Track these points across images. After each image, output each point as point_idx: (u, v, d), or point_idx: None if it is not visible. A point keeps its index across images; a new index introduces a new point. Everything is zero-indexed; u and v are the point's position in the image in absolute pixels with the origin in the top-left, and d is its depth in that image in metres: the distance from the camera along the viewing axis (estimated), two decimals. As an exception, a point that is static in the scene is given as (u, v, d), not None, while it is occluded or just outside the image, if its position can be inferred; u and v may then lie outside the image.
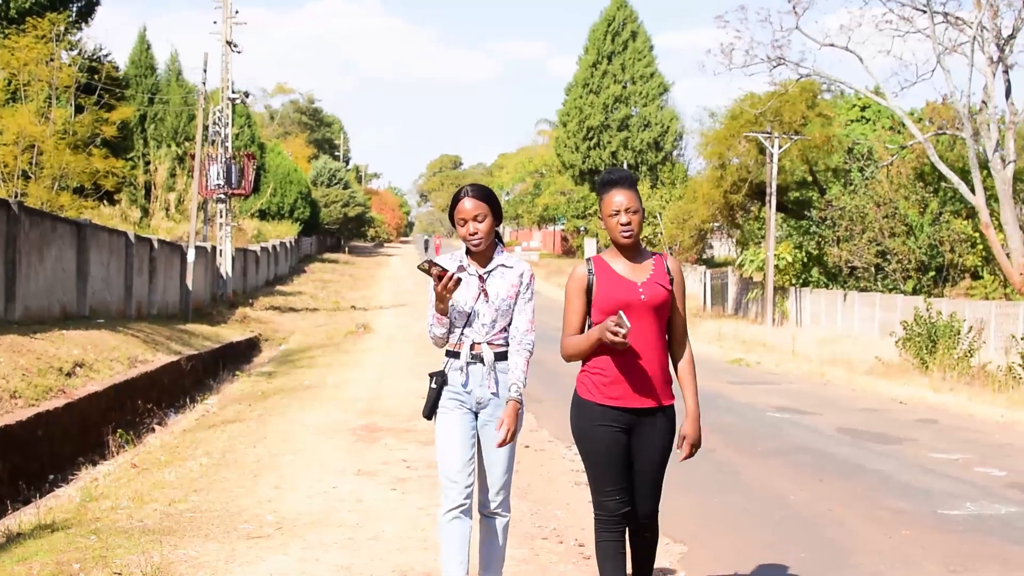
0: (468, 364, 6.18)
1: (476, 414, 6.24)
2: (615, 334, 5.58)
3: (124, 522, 8.91)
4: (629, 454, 5.99)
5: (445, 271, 5.88)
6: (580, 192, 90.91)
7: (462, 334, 6.19)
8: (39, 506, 11.72)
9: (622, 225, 5.92)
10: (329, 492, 10.20)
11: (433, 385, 6.21)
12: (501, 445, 6.09)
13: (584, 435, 6.01)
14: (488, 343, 6.18)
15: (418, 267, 6.00)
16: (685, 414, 6.05)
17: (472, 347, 6.18)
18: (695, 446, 6.02)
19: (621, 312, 5.68)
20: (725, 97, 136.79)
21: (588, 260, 6.12)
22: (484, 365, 6.17)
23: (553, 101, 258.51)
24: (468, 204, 6.10)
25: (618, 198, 5.90)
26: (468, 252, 6.22)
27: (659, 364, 5.96)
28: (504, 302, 6.18)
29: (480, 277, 6.17)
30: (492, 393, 6.19)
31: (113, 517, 9.19)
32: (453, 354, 6.23)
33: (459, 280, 5.93)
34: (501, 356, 6.22)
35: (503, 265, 6.23)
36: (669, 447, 6.06)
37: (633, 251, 6.04)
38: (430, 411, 6.24)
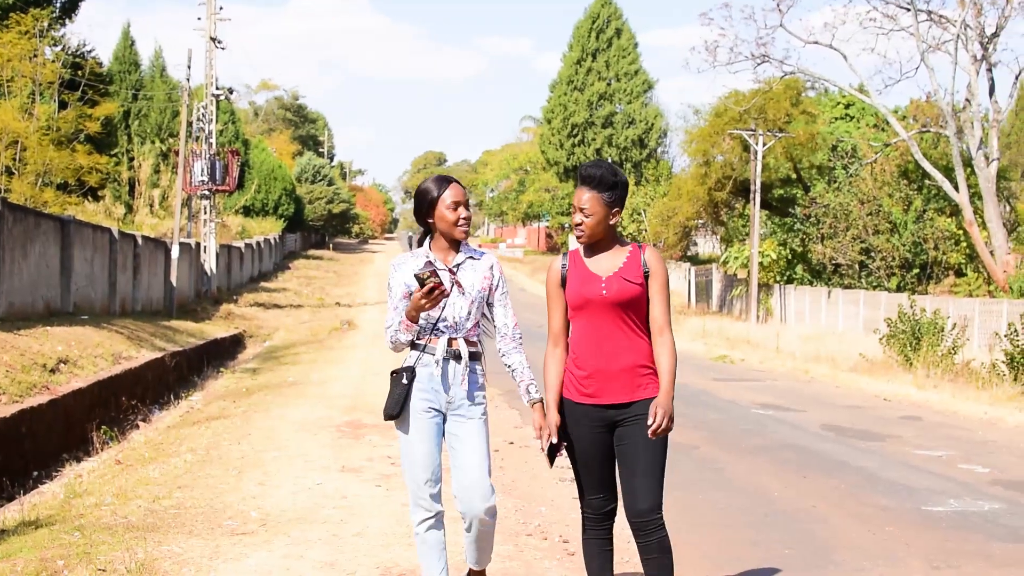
0: (444, 360, 5.97)
1: (444, 415, 6.04)
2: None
3: (108, 519, 8.88)
4: (612, 452, 5.91)
5: (441, 283, 5.70)
6: (564, 189, 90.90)
7: (435, 328, 5.97)
8: (23, 503, 11.70)
9: (575, 225, 5.94)
10: (313, 488, 10.19)
11: (404, 381, 5.95)
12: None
13: (572, 435, 5.93)
14: (464, 339, 6.02)
15: (416, 275, 5.71)
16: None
17: (449, 342, 5.99)
18: (666, 414, 5.63)
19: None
20: (709, 94, 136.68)
21: (565, 254, 6.09)
22: (461, 362, 5.99)
23: (538, 98, 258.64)
24: (458, 190, 6.01)
25: (580, 196, 5.86)
26: (430, 246, 6.09)
27: (632, 359, 5.84)
28: (479, 294, 6.04)
29: (451, 270, 6.01)
30: (465, 392, 6.01)
31: (97, 514, 9.17)
32: (423, 348, 6.00)
33: (447, 294, 5.82)
34: (475, 356, 6.06)
35: (471, 257, 6.10)
36: (657, 440, 5.79)
37: (607, 244, 5.95)
38: (399, 409, 5.96)
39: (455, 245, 6.07)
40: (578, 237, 5.94)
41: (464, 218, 5.99)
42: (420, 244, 6.17)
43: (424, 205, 6.03)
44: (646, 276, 5.89)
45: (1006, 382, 21.83)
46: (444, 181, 6.03)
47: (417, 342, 6.00)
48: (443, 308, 5.94)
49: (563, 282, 6.00)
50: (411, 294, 5.89)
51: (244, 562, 7.56)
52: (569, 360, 6.00)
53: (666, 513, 5.93)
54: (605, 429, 5.88)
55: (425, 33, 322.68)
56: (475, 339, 6.09)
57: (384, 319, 6.17)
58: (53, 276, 24.67)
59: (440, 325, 5.97)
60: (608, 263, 5.92)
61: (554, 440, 5.85)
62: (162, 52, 68.53)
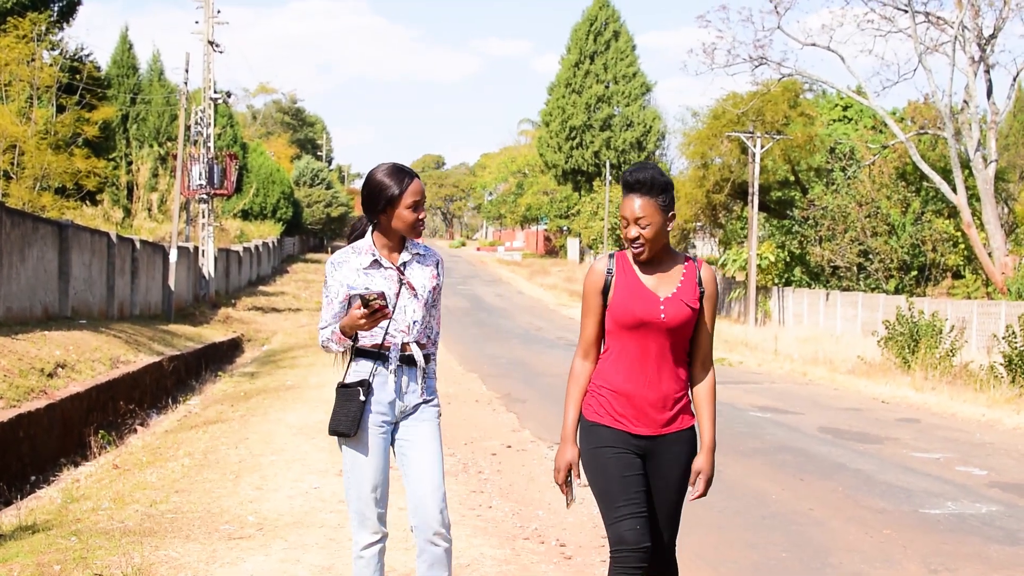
0: (398, 369, 5.55)
1: (394, 425, 5.62)
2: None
3: (105, 523, 8.88)
4: (646, 479, 5.23)
5: (386, 306, 5.27)
6: (563, 192, 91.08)
7: (387, 333, 5.51)
8: (20, 507, 11.70)
9: (630, 240, 5.17)
10: (310, 492, 10.19)
11: (361, 398, 5.48)
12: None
13: (593, 458, 5.22)
14: (416, 342, 5.56)
15: (362, 295, 5.25)
16: (699, 445, 5.30)
17: (403, 347, 5.54)
18: (709, 480, 5.25)
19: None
20: (707, 97, 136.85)
21: (611, 256, 5.34)
22: (417, 367, 5.58)
23: (536, 100, 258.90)
24: (419, 186, 5.50)
25: (631, 206, 5.13)
26: (373, 240, 5.59)
27: (675, 386, 5.21)
28: (430, 294, 5.60)
29: (398, 269, 5.55)
30: (423, 398, 5.61)
31: (94, 518, 9.17)
32: (374, 356, 5.55)
33: (389, 317, 5.37)
34: (428, 357, 5.66)
35: (417, 254, 5.63)
36: (686, 476, 5.28)
37: (662, 255, 5.24)
38: (355, 427, 5.48)
39: (402, 242, 5.61)
40: (637, 255, 5.18)
41: (422, 218, 5.53)
42: (360, 236, 5.67)
43: (381, 201, 5.47)
44: (700, 297, 5.24)
45: (1004, 384, 21.84)
46: (404, 175, 5.49)
47: (367, 350, 5.56)
48: (398, 294, 5.50)
49: (606, 289, 5.26)
50: (350, 299, 5.48)
51: (241, 566, 7.56)
52: (598, 382, 5.30)
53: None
54: (638, 455, 5.21)
55: (423, 35, 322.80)
56: (426, 340, 5.65)
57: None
58: (51, 280, 24.66)
59: (392, 330, 5.51)
60: (668, 279, 5.23)
61: (573, 480, 5.29)
62: (160, 56, 68.52)
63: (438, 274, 5.69)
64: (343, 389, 5.56)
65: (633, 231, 5.12)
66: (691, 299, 5.20)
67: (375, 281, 5.50)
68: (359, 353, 5.58)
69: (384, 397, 5.54)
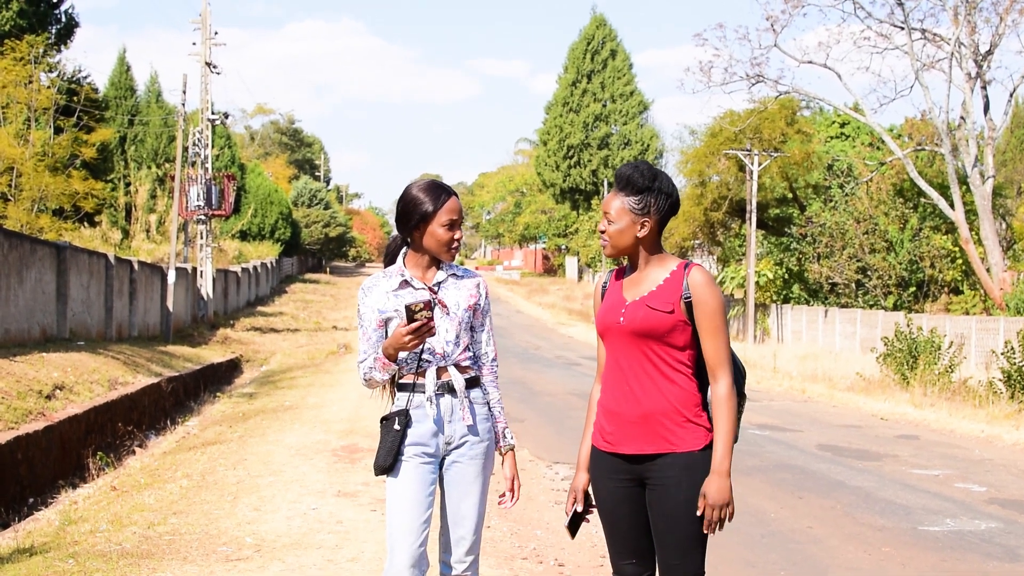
0: (436, 396, 5.17)
1: (441, 459, 5.25)
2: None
3: (103, 545, 8.87)
4: (644, 510, 4.98)
5: (432, 319, 4.95)
6: (561, 211, 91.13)
7: (420, 360, 5.17)
8: (17, 530, 11.69)
9: (600, 233, 5.03)
10: (309, 514, 10.18)
11: (396, 427, 5.13)
12: (502, 503, 5.37)
13: (594, 488, 5.11)
14: (456, 366, 5.21)
15: (407, 306, 4.93)
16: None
17: (439, 374, 5.19)
18: (716, 506, 4.76)
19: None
20: (704, 115, 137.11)
21: (611, 271, 5.22)
22: (456, 395, 5.19)
23: (534, 120, 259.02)
24: (456, 205, 5.21)
25: (607, 200, 5.00)
26: (404, 262, 5.29)
27: (660, 403, 4.87)
28: (466, 313, 5.23)
29: (431, 289, 5.21)
30: (468, 427, 5.21)
31: (92, 540, 9.15)
32: (411, 387, 5.20)
33: (434, 332, 5.03)
34: (472, 382, 5.26)
35: (454, 275, 5.30)
36: (692, 501, 4.82)
37: (648, 261, 5.01)
38: (393, 459, 5.14)
39: (436, 263, 5.28)
40: (602, 248, 5.03)
41: (457, 239, 5.22)
42: (392, 260, 5.36)
43: (415, 217, 5.18)
44: (687, 304, 4.87)
45: (1003, 400, 21.82)
46: (441, 192, 5.18)
47: (403, 381, 5.23)
48: (420, 349, 5.14)
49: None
50: (386, 323, 5.22)
51: (238, 588, 7.55)
52: (599, 399, 5.13)
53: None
54: (633, 484, 4.98)
55: (420, 56, 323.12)
56: (467, 363, 5.27)
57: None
58: (49, 302, 24.66)
59: (425, 355, 5.17)
60: (642, 285, 4.99)
61: (579, 508, 5.13)
62: (158, 77, 68.84)
63: (479, 294, 5.34)
64: (384, 423, 5.21)
65: (602, 224, 5.00)
66: (662, 303, 4.87)
67: (404, 301, 5.13)
68: (399, 386, 5.25)
69: (424, 428, 5.16)
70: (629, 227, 4.93)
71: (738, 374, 5.07)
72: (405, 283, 5.22)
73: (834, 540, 10.03)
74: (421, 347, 5.11)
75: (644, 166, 4.94)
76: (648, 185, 4.91)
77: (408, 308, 4.90)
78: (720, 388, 4.91)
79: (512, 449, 5.42)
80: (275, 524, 9.71)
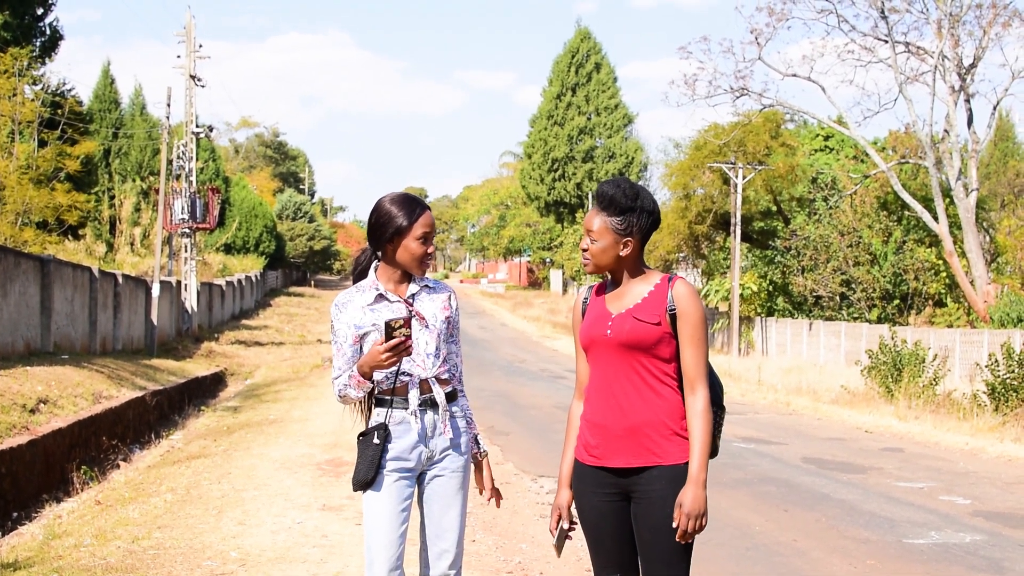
0: (420, 411, 5.15)
1: (419, 474, 5.22)
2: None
3: (87, 560, 8.84)
4: (628, 525, 4.95)
5: (410, 337, 4.90)
6: (546, 224, 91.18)
7: (399, 373, 5.14)
8: (1, 544, 11.64)
9: (582, 251, 5.00)
10: (293, 527, 10.16)
11: (376, 441, 5.08)
12: (492, 499, 5.43)
13: (577, 503, 5.06)
14: (436, 379, 5.19)
15: (387, 322, 4.87)
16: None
17: (421, 388, 5.17)
18: (691, 516, 4.72)
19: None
20: (689, 128, 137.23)
21: (591, 287, 5.20)
22: (438, 409, 5.18)
23: (518, 133, 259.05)
24: (430, 218, 5.20)
25: (588, 218, 4.96)
26: (376, 275, 5.23)
27: (646, 415, 4.84)
28: (443, 324, 5.22)
29: (406, 301, 5.17)
30: (450, 440, 5.21)
31: (76, 555, 9.12)
32: (390, 402, 5.16)
33: (411, 352, 4.98)
34: (451, 395, 5.26)
35: (427, 286, 5.27)
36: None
37: (631, 276, 5.00)
38: (374, 474, 5.09)
39: (408, 276, 5.25)
40: (584, 266, 5.01)
41: (431, 253, 5.20)
42: (363, 275, 5.31)
43: (389, 231, 5.13)
44: (672, 316, 4.88)
45: (987, 412, 21.86)
46: (415, 206, 5.16)
47: (382, 396, 5.18)
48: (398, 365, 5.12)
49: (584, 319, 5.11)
50: (361, 338, 5.17)
51: (223, 603, 7.53)
52: (583, 412, 5.08)
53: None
54: (618, 497, 4.94)
55: (406, 68, 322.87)
56: (446, 375, 5.26)
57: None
58: (33, 316, 24.60)
59: (405, 368, 5.13)
60: (627, 298, 4.97)
61: (564, 525, 5.08)
62: (142, 90, 68.75)
63: (450, 306, 5.32)
64: (362, 438, 5.16)
65: (584, 242, 4.97)
66: (648, 315, 4.87)
67: (382, 316, 5.10)
68: (378, 401, 5.19)
69: (406, 443, 5.12)
70: (612, 246, 4.93)
71: (715, 387, 5.08)
72: (380, 297, 5.18)
73: (819, 553, 10.03)
74: (398, 365, 5.08)
75: (626, 184, 4.92)
76: (631, 205, 4.90)
77: (388, 324, 4.85)
78: (698, 399, 4.88)
79: (487, 455, 5.44)
80: (260, 538, 9.68)
